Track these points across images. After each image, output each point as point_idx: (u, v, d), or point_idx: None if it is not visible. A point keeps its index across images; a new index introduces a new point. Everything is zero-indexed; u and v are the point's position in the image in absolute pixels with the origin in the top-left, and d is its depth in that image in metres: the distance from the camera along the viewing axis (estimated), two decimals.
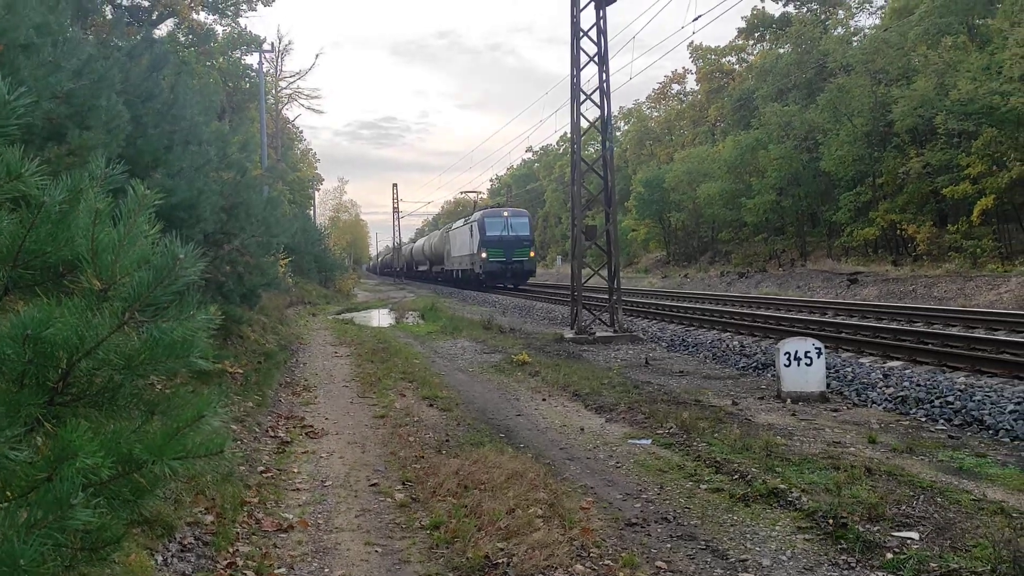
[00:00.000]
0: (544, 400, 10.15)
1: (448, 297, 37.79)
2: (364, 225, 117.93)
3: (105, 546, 2.01)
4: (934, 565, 4.45)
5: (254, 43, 32.87)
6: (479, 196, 62.96)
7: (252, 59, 34.42)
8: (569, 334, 17.42)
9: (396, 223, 77.37)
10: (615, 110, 78.69)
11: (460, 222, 47.35)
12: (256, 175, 14.00)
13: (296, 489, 6.21)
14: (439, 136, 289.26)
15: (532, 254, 39.94)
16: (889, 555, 4.62)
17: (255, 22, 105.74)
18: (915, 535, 4.93)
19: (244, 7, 30.83)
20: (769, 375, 11.90)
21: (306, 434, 8.20)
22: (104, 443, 1.82)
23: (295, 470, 6.77)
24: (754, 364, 12.99)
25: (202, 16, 29.19)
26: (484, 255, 38.50)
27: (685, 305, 23.59)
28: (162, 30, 25.79)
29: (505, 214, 40.05)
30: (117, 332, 1.94)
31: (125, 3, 24.07)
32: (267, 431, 8.11)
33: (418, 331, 20.43)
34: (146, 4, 25.28)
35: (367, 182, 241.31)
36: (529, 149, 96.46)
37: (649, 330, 18.41)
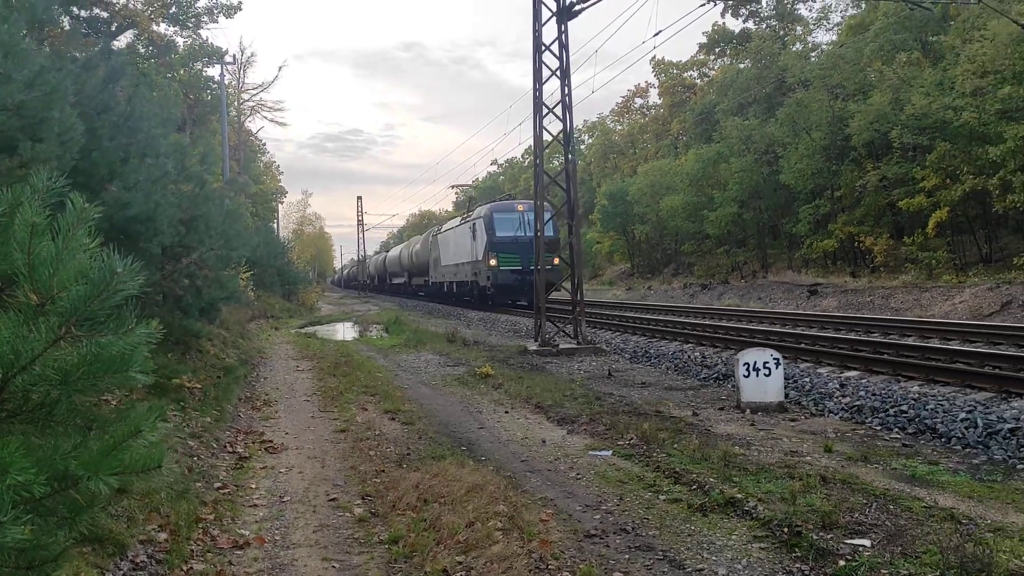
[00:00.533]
0: (507, 413, 10.15)
1: (412, 310, 37.59)
2: (328, 238, 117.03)
3: (43, 564, 1.97)
4: (885, 572, 4.52)
5: (216, 55, 32.57)
6: (465, 192, 51.97)
7: (214, 71, 34.14)
8: (533, 346, 17.44)
9: (361, 235, 77.21)
10: (579, 123, 79.61)
11: (455, 221, 37.26)
12: (216, 187, 13.85)
13: (254, 505, 6.14)
14: (405, 149, 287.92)
15: (557, 260, 26.91)
16: (842, 562, 4.69)
17: (217, 34, 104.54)
18: (867, 542, 5.01)
19: (205, 19, 30.57)
20: (730, 386, 12.01)
21: (265, 449, 8.11)
22: (38, 460, 1.79)
23: (253, 486, 6.68)
24: (715, 375, 13.11)
25: (162, 28, 28.91)
26: (493, 262, 29.17)
27: (648, 317, 23.74)
28: (121, 42, 25.47)
29: (520, 207, 30.51)
30: (54, 347, 1.92)
31: (83, 14, 23.76)
32: (225, 446, 8.00)
33: (381, 344, 20.33)
34: (105, 15, 24.98)
35: (332, 195, 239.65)
36: (494, 162, 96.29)
37: (612, 342, 18.51)
